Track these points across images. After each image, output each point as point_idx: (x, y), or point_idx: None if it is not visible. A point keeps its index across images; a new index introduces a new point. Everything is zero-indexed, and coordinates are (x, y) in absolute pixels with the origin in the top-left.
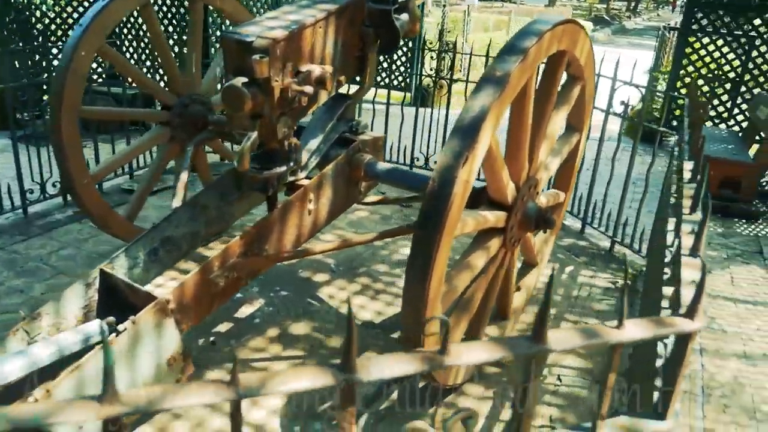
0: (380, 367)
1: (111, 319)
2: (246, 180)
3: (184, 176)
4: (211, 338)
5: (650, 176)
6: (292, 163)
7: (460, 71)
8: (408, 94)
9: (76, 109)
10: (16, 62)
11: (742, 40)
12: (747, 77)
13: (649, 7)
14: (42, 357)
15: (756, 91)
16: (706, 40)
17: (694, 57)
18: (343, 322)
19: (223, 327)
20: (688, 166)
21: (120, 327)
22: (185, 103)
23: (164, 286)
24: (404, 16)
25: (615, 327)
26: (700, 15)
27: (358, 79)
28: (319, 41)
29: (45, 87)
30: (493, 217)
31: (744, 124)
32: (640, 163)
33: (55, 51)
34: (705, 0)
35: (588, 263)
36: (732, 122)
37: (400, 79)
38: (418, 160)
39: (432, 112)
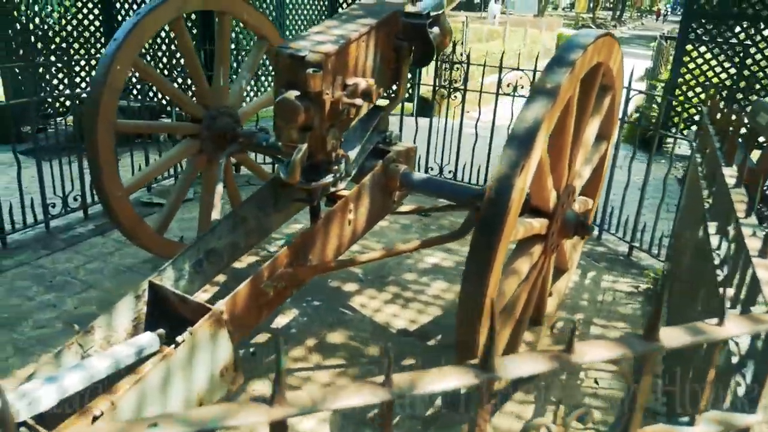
0: (516, 365)
1: (162, 331)
2: (291, 191)
3: (219, 188)
4: (251, 349)
5: (652, 181)
6: (339, 174)
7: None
8: (409, 104)
9: (112, 123)
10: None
11: (737, 48)
12: (742, 84)
13: (633, 16)
14: (100, 370)
15: (753, 98)
16: (702, 48)
17: (692, 65)
18: (378, 330)
19: (261, 338)
20: (728, 171)
21: (179, 339)
22: (214, 116)
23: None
24: (436, 30)
25: (716, 324)
26: (695, 24)
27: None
28: (362, 55)
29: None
30: (538, 224)
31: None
32: (641, 169)
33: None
34: (701, 10)
35: (608, 268)
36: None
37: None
38: (432, 169)
39: (446, 122)
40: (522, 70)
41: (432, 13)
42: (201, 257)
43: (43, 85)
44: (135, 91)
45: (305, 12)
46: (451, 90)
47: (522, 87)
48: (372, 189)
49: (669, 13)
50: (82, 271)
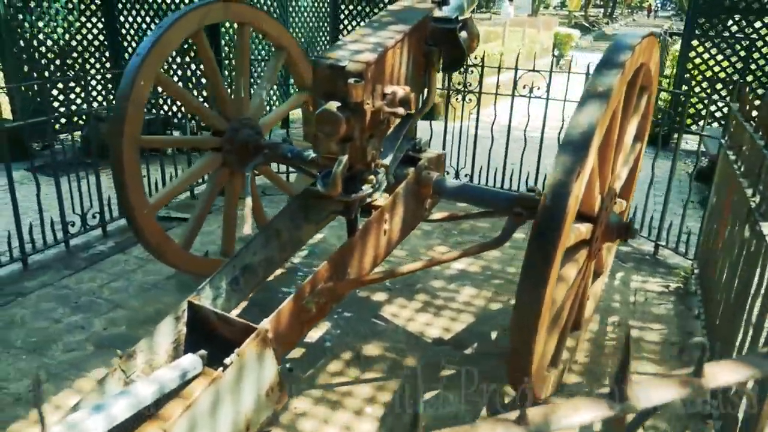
0: (648, 393)
1: (203, 352)
2: (322, 203)
3: (249, 202)
4: (288, 365)
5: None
6: (377, 185)
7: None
8: None
9: (137, 139)
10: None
11: (744, 42)
12: (750, 78)
13: (624, 13)
14: (146, 396)
15: (760, 91)
16: (708, 44)
17: (698, 60)
18: (412, 340)
19: (296, 353)
20: None
21: (226, 361)
22: (236, 128)
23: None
24: (464, 34)
25: None
26: (702, 20)
27: None
28: (397, 63)
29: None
30: (584, 229)
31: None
32: (657, 166)
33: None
34: (706, 5)
35: (636, 268)
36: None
37: None
38: (448, 173)
39: (461, 125)
40: (537, 71)
41: (460, 17)
42: (237, 274)
43: (52, 101)
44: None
45: (307, 17)
46: (466, 93)
47: (538, 88)
48: (406, 198)
49: (659, 8)
50: (107, 291)
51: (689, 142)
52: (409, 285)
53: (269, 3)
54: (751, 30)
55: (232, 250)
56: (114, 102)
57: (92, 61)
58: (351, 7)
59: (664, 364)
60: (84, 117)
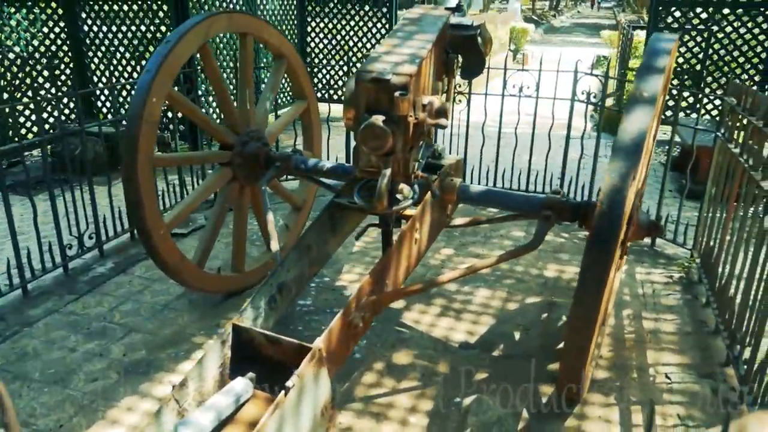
0: None
1: (252, 375)
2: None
3: (271, 217)
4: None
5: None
6: (415, 196)
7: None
8: None
9: (151, 158)
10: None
11: (705, 33)
12: (712, 68)
13: (569, 5)
14: (206, 425)
15: (722, 81)
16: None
17: None
18: (440, 346)
19: None
20: None
21: (288, 384)
22: (244, 141)
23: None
24: (479, 40)
25: None
26: (665, 13)
27: None
28: (427, 72)
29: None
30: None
31: (714, 113)
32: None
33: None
34: None
35: (637, 260)
36: (702, 111)
37: None
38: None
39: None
40: (527, 70)
41: (475, 23)
42: (274, 293)
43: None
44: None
45: (275, 20)
46: (456, 94)
47: (528, 87)
48: (432, 206)
49: (601, 0)
50: (118, 314)
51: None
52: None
53: (237, 6)
54: (711, 22)
55: (243, 266)
56: (127, 121)
57: (56, 72)
58: (318, 8)
59: (684, 354)
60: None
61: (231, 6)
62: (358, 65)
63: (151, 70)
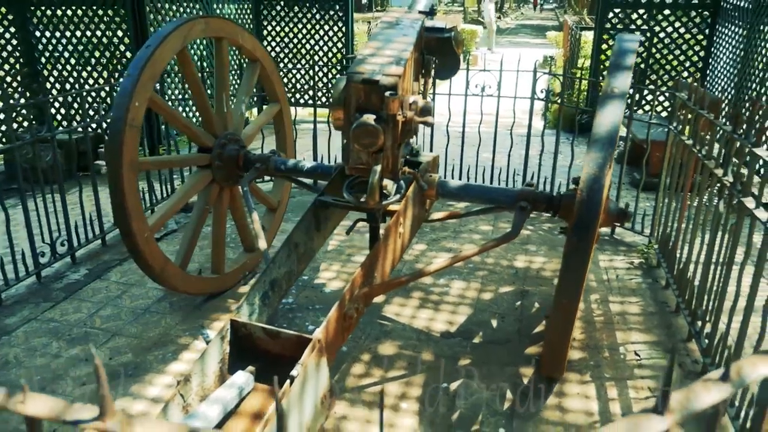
0: None
1: (252, 368)
2: (330, 213)
3: (256, 216)
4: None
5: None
6: (402, 191)
7: None
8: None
9: (135, 163)
10: None
11: (648, 34)
12: (656, 67)
13: (512, 7)
14: (213, 417)
15: (665, 78)
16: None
17: (610, 52)
18: (422, 336)
19: None
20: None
21: (293, 373)
22: (223, 144)
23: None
24: (453, 42)
25: None
26: (611, 14)
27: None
28: (410, 73)
29: None
30: None
31: (659, 109)
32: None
33: None
34: (613, 1)
35: (599, 249)
36: (648, 107)
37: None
38: None
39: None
40: (489, 71)
41: (448, 26)
42: (267, 289)
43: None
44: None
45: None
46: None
47: (489, 87)
48: (413, 200)
49: (544, 2)
50: (98, 320)
51: None
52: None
53: (192, 10)
54: (653, 22)
55: (223, 267)
56: (108, 125)
57: (8, 79)
58: (273, 12)
59: (650, 333)
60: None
61: (187, 11)
62: (316, 69)
63: (133, 75)
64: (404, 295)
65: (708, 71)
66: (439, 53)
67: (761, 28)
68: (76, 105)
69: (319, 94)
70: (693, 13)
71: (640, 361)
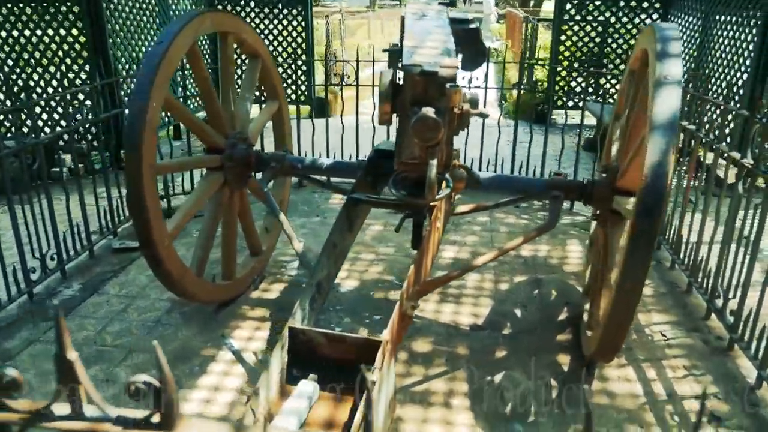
0: None
1: (314, 376)
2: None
3: (284, 218)
4: None
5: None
6: (450, 185)
7: (348, 77)
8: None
9: (154, 166)
10: None
11: (601, 25)
12: (612, 56)
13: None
14: (294, 430)
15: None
16: (576, 27)
17: (569, 42)
18: (452, 330)
19: None
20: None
21: (373, 378)
22: (233, 144)
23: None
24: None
25: None
26: (569, 6)
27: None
28: None
29: None
30: None
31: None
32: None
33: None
34: None
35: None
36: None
37: (302, 90)
38: None
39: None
40: (356, 60)
41: (471, 18)
42: (314, 293)
43: None
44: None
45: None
46: (343, 87)
47: (348, 77)
48: (446, 196)
49: None
50: (108, 337)
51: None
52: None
53: (149, 6)
54: (609, 14)
55: (234, 273)
56: (126, 128)
57: None
58: (229, 8)
59: (669, 313)
60: None
61: (144, 6)
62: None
63: (149, 74)
64: None
65: None
66: (465, 44)
67: (716, 17)
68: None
69: (289, 91)
70: (646, 4)
71: (668, 341)
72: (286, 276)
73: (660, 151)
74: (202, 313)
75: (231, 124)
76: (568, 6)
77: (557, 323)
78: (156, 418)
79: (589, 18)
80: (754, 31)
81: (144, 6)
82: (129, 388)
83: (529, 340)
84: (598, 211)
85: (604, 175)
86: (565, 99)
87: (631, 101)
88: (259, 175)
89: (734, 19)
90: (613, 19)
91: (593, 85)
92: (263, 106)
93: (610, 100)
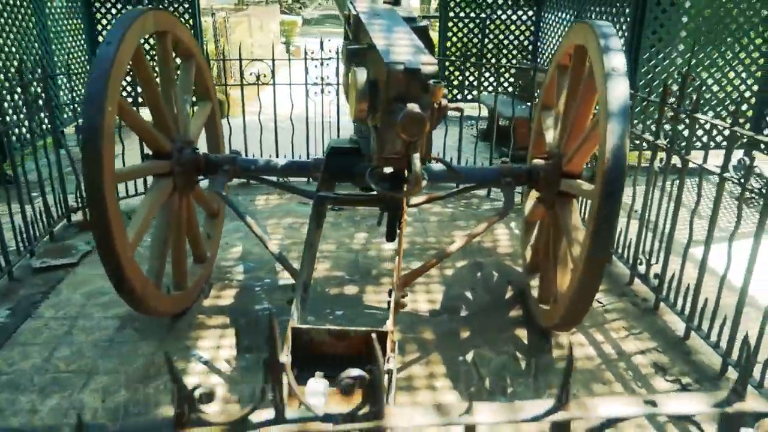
0: None
1: (321, 373)
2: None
3: (251, 220)
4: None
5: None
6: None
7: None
8: None
9: (114, 175)
10: None
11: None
12: (495, 51)
13: None
14: None
15: (503, 61)
16: (461, 24)
17: (455, 39)
18: (414, 317)
19: None
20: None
21: (390, 366)
22: (179, 148)
23: None
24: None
25: None
26: (453, 4)
27: None
28: None
29: None
30: None
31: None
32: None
33: None
34: None
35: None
36: (491, 89)
37: None
38: None
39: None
40: (272, 59)
41: (418, 16)
42: (302, 293)
43: None
44: None
45: (62, 18)
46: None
47: (264, 75)
48: None
49: None
50: (60, 363)
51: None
52: (366, 274)
53: (22, 3)
54: (489, 11)
55: (186, 282)
56: (83, 136)
57: None
58: (109, 4)
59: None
60: None
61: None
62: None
63: (102, 77)
64: (374, 283)
65: (538, 53)
66: None
67: (588, 15)
68: None
69: None
70: (521, 2)
71: (604, 307)
72: (234, 281)
73: (618, 136)
74: (157, 327)
75: (176, 127)
76: (452, 4)
77: (505, 301)
78: (364, 410)
79: (472, 15)
80: (624, 27)
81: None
82: (340, 383)
83: (486, 319)
84: (537, 195)
85: (548, 161)
86: (456, 92)
87: (570, 93)
88: (205, 181)
89: (605, 13)
90: (494, 16)
91: (487, 79)
92: (195, 108)
93: (503, 93)
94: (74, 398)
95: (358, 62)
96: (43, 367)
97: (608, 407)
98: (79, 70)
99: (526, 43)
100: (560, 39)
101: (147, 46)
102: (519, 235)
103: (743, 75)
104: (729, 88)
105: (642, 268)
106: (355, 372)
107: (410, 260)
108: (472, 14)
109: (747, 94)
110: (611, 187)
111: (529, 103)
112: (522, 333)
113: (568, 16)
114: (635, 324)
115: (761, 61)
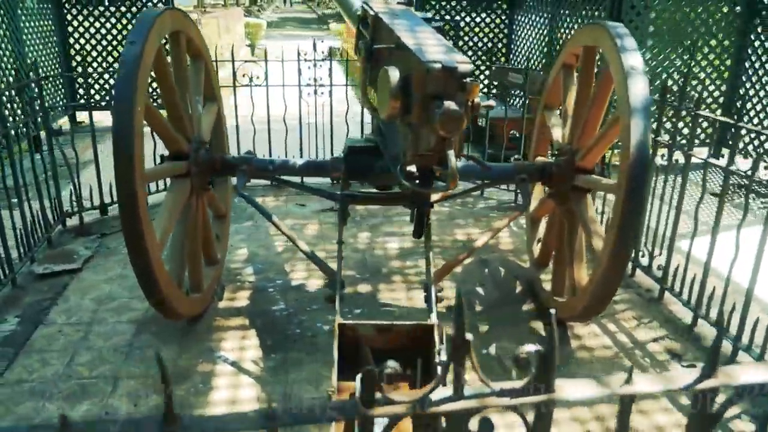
0: None
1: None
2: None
3: (277, 220)
4: None
5: None
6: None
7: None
8: None
9: (145, 176)
10: None
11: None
12: (470, 53)
13: (268, 1)
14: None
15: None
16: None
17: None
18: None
19: None
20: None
21: (442, 358)
22: (196, 148)
23: None
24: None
25: None
26: (428, 6)
27: None
28: None
29: None
30: None
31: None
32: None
33: None
34: None
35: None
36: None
37: None
38: None
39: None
40: (255, 61)
41: (431, 16)
42: (340, 290)
43: None
44: None
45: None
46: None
47: (258, 77)
48: None
49: None
50: (83, 369)
51: None
52: (374, 271)
53: None
54: (464, 13)
55: (202, 284)
56: (115, 137)
57: None
58: (78, 8)
59: None
60: None
61: None
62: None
63: (130, 77)
64: (385, 281)
65: (512, 54)
66: None
67: (563, 18)
68: None
69: None
70: (495, 5)
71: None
72: (246, 283)
73: (641, 132)
74: (174, 331)
75: (191, 128)
76: (428, 7)
77: (516, 296)
78: (536, 384)
79: (447, 17)
80: None
81: None
82: (517, 359)
83: (501, 312)
84: (545, 191)
85: (560, 157)
86: None
87: (580, 92)
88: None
89: (580, 17)
90: (467, 19)
91: None
92: (203, 108)
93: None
94: (105, 404)
95: (382, 61)
96: (66, 374)
97: (751, 374)
98: (51, 73)
99: (500, 45)
100: (534, 41)
101: None
102: (518, 231)
103: (713, 76)
104: (699, 88)
105: (644, 260)
106: (531, 347)
107: (417, 259)
108: (447, 17)
109: (716, 94)
110: (636, 183)
111: (503, 105)
112: (537, 325)
113: (541, 19)
114: (643, 313)
115: (729, 62)
